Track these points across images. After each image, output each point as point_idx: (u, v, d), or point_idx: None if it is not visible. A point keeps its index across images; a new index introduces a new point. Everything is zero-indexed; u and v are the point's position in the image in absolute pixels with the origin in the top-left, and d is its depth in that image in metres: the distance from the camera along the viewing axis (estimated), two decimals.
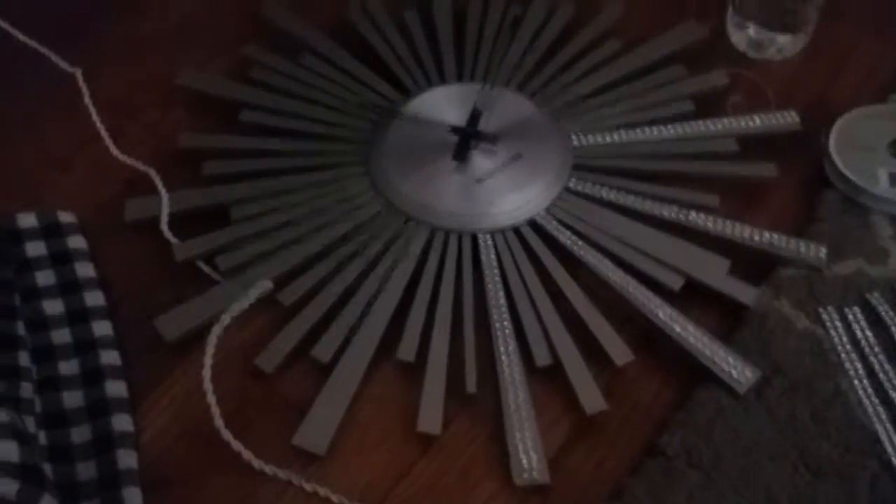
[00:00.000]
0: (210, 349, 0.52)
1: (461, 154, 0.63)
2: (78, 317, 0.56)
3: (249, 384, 0.54)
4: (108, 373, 0.54)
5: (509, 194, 0.62)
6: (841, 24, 0.73)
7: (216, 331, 0.52)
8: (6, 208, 0.61)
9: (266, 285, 0.56)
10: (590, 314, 0.56)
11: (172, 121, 0.68)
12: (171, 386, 0.54)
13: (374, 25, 0.73)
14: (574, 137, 0.65)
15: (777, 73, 0.71)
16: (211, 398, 0.50)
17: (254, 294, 0.54)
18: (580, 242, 0.60)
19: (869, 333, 0.54)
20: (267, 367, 0.54)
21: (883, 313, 0.55)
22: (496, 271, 0.58)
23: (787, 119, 0.66)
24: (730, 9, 0.73)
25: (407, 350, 0.54)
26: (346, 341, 0.55)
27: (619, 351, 0.54)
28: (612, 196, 0.62)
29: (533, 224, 0.61)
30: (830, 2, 0.70)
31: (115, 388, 0.53)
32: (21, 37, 0.71)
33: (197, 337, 0.55)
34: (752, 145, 0.65)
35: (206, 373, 0.51)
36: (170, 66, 0.70)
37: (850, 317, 0.55)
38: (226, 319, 0.52)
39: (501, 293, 0.57)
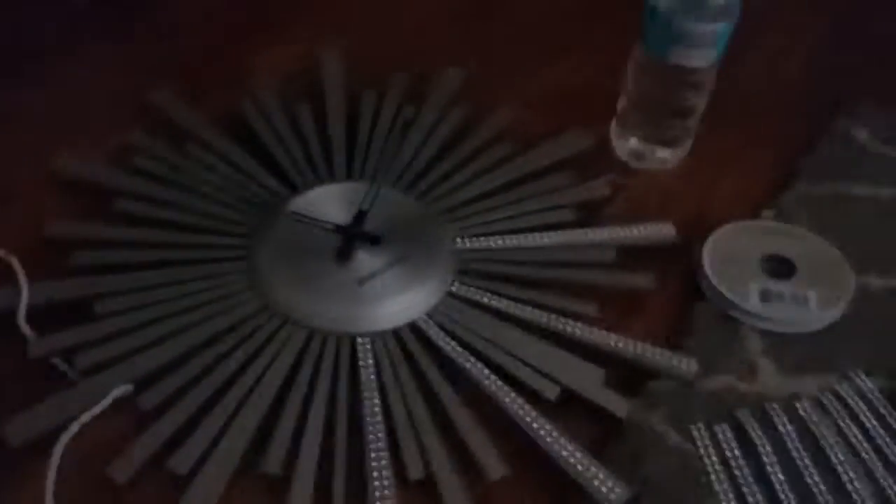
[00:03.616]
0: (54, 461, 0.48)
1: (344, 255, 0.62)
2: None
3: (98, 496, 0.50)
4: None
5: (391, 297, 0.61)
6: (718, 140, 0.76)
7: (63, 439, 0.49)
8: None
9: (124, 389, 0.53)
10: (466, 425, 0.55)
11: (42, 206, 0.65)
12: (13, 497, 0.50)
13: (264, 117, 0.73)
14: (459, 241, 0.65)
15: (657, 183, 0.73)
16: None
17: (107, 401, 0.51)
18: (459, 349, 0.59)
19: (738, 453, 0.54)
20: (119, 477, 0.51)
21: (751, 432, 0.55)
22: (373, 377, 0.57)
23: (664, 231, 0.68)
24: (614, 120, 0.75)
25: (273, 462, 0.52)
26: (208, 452, 0.52)
27: (493, 465, 0.53)
28: (493, 302, 0.62)
29: (413, 328, 0.60)
30: (708, 117, 0.73)
31: None
32: None
33: (48, 441, 0.51)
34: (631, 255, 0.66)
35: (49, 487, 0.48)
36: (45, 149, 0.67)
37: (720, 435, 0.55)
38: (74, 428, 0.49)
39: (377, 400, 0.56)
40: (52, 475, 0.48)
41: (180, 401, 0.54)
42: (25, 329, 0.57)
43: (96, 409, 0.51)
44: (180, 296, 0.60)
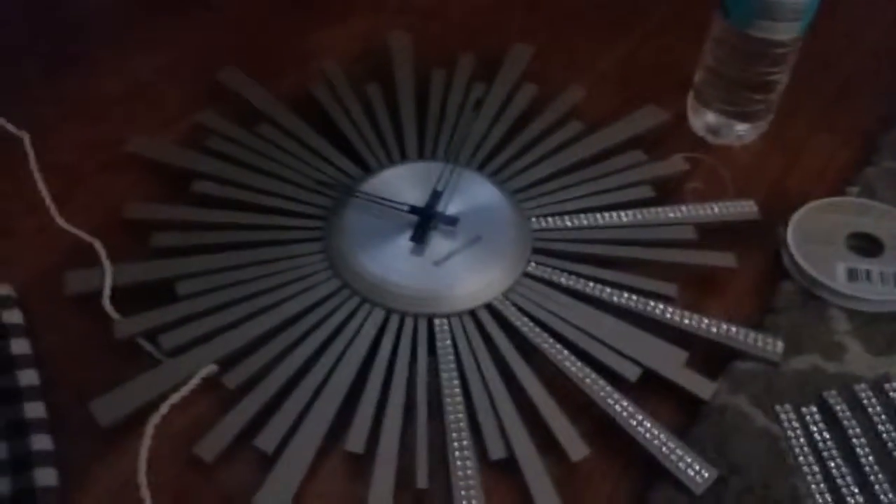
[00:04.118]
0: (146, 441, 0.49)
1: (420, 235, 0.62)
2: (9, 397, 0.53)
3: (187, 474, 0.51)
4: (39, 459, 0.50)
5: (467, 277, 0.60)
6: (799, 114, 0.74)
7: (153, 420, 0.49)
8: None
9: (210, 369, 0.54)
10: (546, 405, 0.55)
11: (121, 189, 0.65)
12: (105, 475, 0.51)
13: (335, 97, 0.72)
14: (534, 220, 0.65)
15: (736, 159, 0.72)
16: (145, 493, 0.48)
17: (195, 381, 0.52)
18: (537, 329, 0.58)
19: (826, 435, 0.53)
20: (207, 455, 0.51)
21: (839, 414, 0.54)
22: (451, 357, 0.57)
23: (746, 208, 0.66)
24: (690, 94, 0.73)
25: (356, 441, 0.52)
26: (292, 430, 0.52)
27: (574, 446, 0.53)
28: (570, 282, 0.61)
29: (490, 309, 0.60)
30: (789, 92, 0.71)
31: (45, 477, 0.50)
32: None
33: (135, 421, 0.52)
34: (711, 233, 0.65)
35: (142, 465, 0.49)
36: (121, 132, 0.68)
37: (808, 416, 0.54)
38: (164, 409, 0.50)
39: (456, 381, 0.56)
40: (144, 453, 0.49)
41: (264, 380, 0.54)
42: (110, 310, 0.58)
43: (184, 391, 0.52)
44: (259, 277, 0.60)
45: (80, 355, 0.56)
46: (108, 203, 0.64)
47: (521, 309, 0.60)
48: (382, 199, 0.63)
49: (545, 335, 0.58)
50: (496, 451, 0.53)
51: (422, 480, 0.51)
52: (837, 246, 0.63)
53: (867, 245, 0.63)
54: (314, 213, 0.64)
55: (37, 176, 0.65)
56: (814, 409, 0.55)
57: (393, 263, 0.60)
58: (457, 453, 0.52)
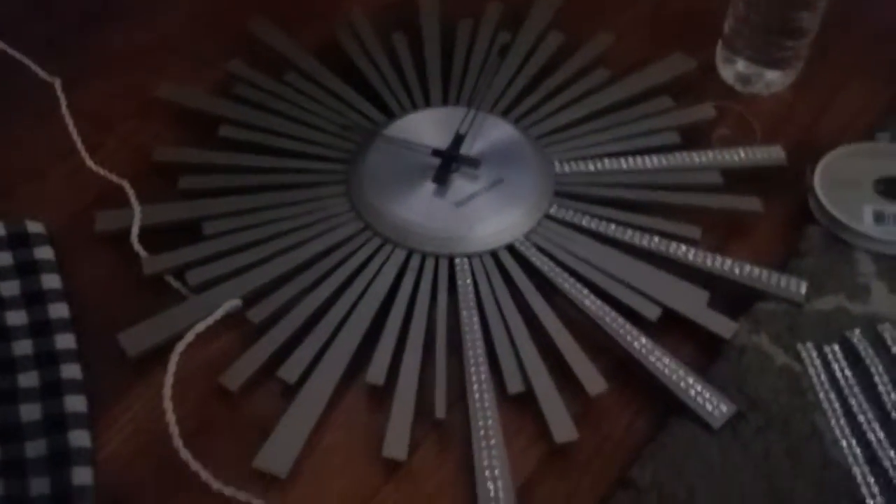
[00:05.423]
0: (171, 367, 0.50)
1: (442, 177, 0.62)
2: (41, 329, 0.55)
3: (212, 402, 0.53)
4: (69, 387, 0.52)
5: (488, 219, 0.61)
6: (829, 62, 0.73)
7: (178, 348, 0.51)
8: None
9: (234, 304, 0.55)
10: (564, 342, 0.55)
11: (150, 134, 0.67)
12: (132, 402, 0.53)
13: (360, 46, 0.73)
14: (557, 164, 0.65)
15: (764, 108, 0.71)
16: (170, 417, 0.49)
17: (220, 312, 0.53)
18: (558, 269, 0.59)
19: (848, 372, 0.53)
20: (231, 385, 0.52)
21: (862, 352, 0.54)
22: (471, 296, 0.57)
23: (773, 154, 0.65)
24: (719, 43, 0.72)
25: (376, 373, 0.53)
26: (314, 362, 0.53)
27: (592, 380, 0.53)
28: (592, 224, 0.61)
29: (511, 249, 0.60)
30: (819, 40, 0.69)
31: (75, 403, 0.52)
32: (1, 44, 0.70)
33: (161, 353, 0.54)
34: (737, 179, 0.64)
35: (167, 392, 0.50)
36: (151, 79, 0.69)
37: (829, 355, 0.54)
38: (189, 337, 0.51)
39: (476, 318, 0.56)
40: (169, 381, 0.50)
41: (287, 315, 0.55)
42: (139, 248, 0.59)
43: (209, 320, 0.53)
44: (284, 218, 0.61)
45: (109, 291, 0.58)
46: (138, 148, 0.66)
47: (542, 250, 0.60)
48: (405, 141, 0.64)
49: (566, 275, 0.58)
50: (514, 386, 0.53)
51: (440, 411, 0.52)
52: (865, 190, 0.62)
53: (895, 189, 0.62)
54: (338, 157, 0.65)
55: (68, 121, 0.67)
56: (836, 347, 0.54)
57: (415, 205, 0.61)
58: (475, 387, 0.53)
